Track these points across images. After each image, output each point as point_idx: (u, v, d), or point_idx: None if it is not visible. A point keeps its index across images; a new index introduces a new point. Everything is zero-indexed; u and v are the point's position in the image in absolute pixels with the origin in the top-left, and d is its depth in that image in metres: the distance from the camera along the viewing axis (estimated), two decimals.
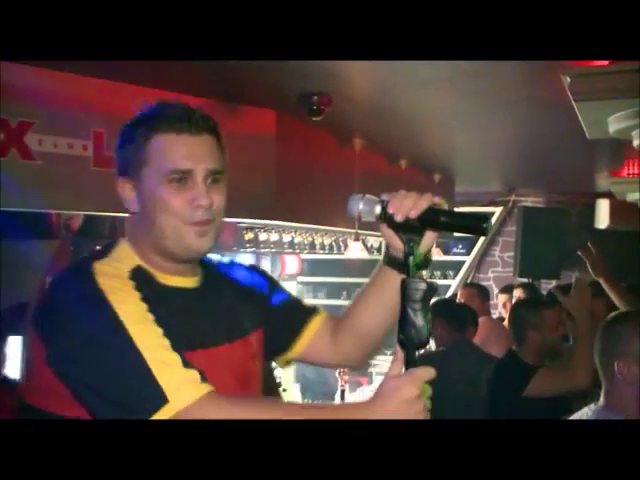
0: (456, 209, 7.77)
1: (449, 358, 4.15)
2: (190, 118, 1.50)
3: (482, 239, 9.00)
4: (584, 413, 2.31)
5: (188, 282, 1.59)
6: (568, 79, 3.25)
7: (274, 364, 1.93)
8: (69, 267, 1.56)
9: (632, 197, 6.85)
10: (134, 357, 1.34)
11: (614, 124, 3.60)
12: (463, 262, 9.01)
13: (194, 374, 1.36)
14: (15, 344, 4.52)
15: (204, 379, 1.36)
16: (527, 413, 3.25)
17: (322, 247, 6.95)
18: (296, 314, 1.79)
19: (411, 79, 3.90)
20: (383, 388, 1.37)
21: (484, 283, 7.80)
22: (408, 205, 1.42)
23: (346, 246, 6.86)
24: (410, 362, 1.38)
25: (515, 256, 8.16)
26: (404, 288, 1.39)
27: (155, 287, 1.52)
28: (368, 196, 1.46)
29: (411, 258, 1.42)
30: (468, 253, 9.11)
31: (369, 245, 7.38)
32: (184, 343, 1.42)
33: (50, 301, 1.46)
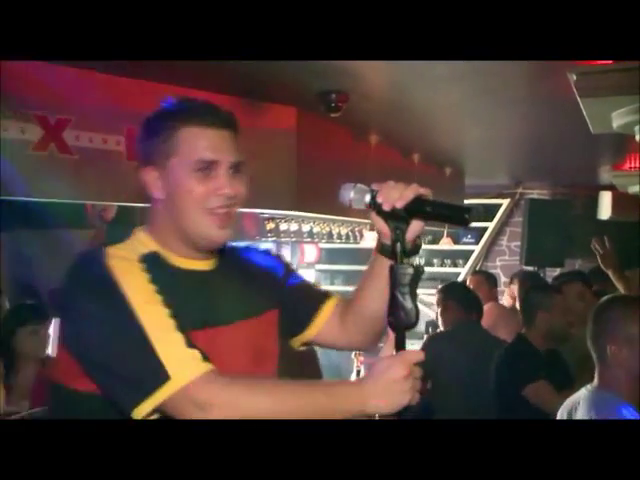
0: (466, 201, 7.78)
1: (458, 337, 4.14)
2: (215, 114, 1.52)
3: (490, 229, 9.00)
4: (580, 395, 2.30)
5: (203, 265, 1.58)
6: (574, 76, 3.24)
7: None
8: (83, 252, 1.54)
9: (633, 189, 6.80)
10: (139, 337, 1.34)
11: (617, 119, 3.58)
12: (472, 251, 8.98)
13: (196, 353, 1.35)
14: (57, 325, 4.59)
15: (205, 358, 1.35)
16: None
17: (339, 237, 6.94)
18: (310, 298, 1.77)
19: (424, 78, 3.89)
20: (375, 368, 1.39)
21: (492, 271, 7.75)
22: (395, 195, 1.42)
23: (362, 236, 6.87)
24: (400, 343, 1.39)
25: (521, 245, 8.11)
26: (392, 273, 1.40)
27: (168, 269, 1.52)
28: (359, 185, 1.48)
29: (398, 245, 1.43)
30: (477, 242, 9.06)
31: None
32: (195, 322, 1.42)
33: (64, 284, 1.46)
